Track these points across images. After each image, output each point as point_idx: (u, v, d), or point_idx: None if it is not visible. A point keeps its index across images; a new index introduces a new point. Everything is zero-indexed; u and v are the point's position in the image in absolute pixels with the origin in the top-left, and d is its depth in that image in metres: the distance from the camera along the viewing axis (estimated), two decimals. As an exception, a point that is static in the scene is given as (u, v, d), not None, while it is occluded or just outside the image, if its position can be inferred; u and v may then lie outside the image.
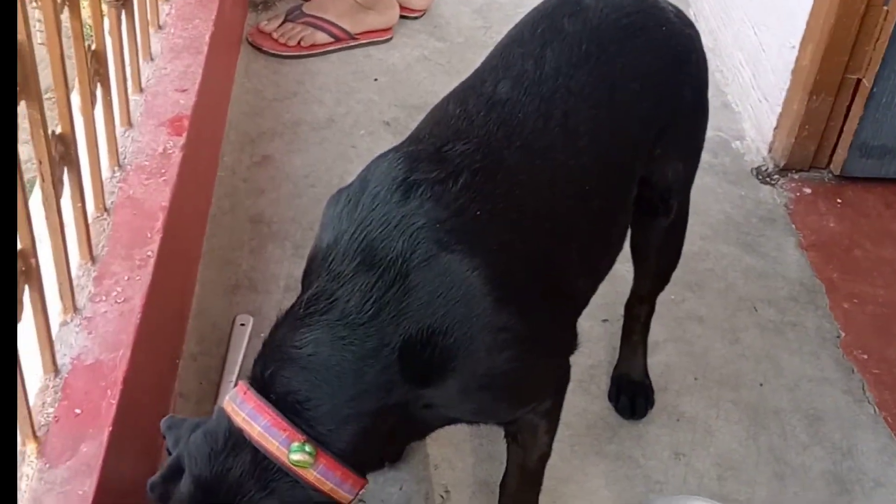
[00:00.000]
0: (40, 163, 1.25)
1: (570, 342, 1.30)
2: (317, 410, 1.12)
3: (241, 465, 1.10)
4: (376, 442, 1.17)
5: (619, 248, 1.42)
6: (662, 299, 1.75)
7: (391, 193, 1.14)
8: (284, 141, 2.26)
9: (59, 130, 1.33)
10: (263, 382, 1.14)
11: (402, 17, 2.68)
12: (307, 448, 1.10)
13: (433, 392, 1.14)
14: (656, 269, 1.64)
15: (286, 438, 1.10)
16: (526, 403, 1.27)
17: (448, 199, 1.13)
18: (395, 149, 1.22)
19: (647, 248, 1.60)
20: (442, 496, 1.60)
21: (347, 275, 1.12)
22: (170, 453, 1.18)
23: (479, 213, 1.14)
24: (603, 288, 1.89)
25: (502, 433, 1.70)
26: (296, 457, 1.10)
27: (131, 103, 1.74)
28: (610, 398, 1.76)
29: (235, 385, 1.69)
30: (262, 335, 1.79)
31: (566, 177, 1.27)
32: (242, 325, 1.82)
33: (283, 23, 2.55)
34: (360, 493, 1.19)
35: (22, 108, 1.16)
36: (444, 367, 1.12)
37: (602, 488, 1.63)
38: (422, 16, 2.74)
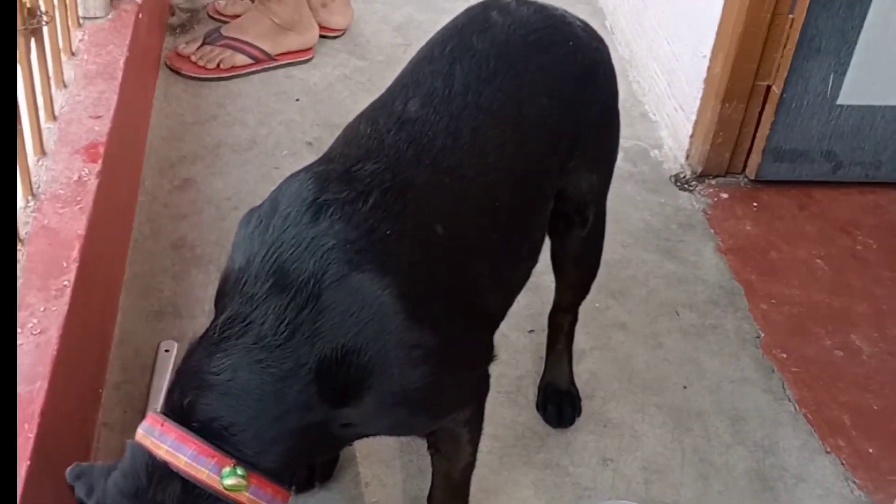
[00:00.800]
0: (-54, 196, 1.23)
1: (485, 355, 1.32)
2: (243, 435, 1.11)
3: (171, 499, 1.08)
4: (296, 459, 1.18)
5: (533, 262, 1.43)
6: (586, 307, 1.78)
7: (301, 214, 1.14)
8: (206, 164, 2.25)
9: (-35, 162, 1.31)
10: (183, 411, 1.13)
11: (322, 36, 2.68)
12: (239, 471, 1.10)
13: (350, 411, 1.15)
14: (576, 279, 1.67)
15: (216, 465, 1.09)
16: (444, 415, 1.29)
17: (358, 220, 1.14)
18: (306, 169, 1.23)
19: (565, 260, 1.62)
20: (373, 514, 1.60)
21: (261, 297, 1.13)
22: (79, 503, 1.15)
23: (388, 232, 1.15)
24: (528, 299, 1.93)
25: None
26: (230, 482, 1.09)
27: (44, 131, 1.72)
28: (538, 408, 1.78)
29: (161, 413, 1.69)
30: (187, 361, 1.82)
31: (475, 194, 1.28)
32: (167, 350, 1.80)
33: (202, 45, 2.54)
34: None
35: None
36: (360, 385, 1.13)
37: (532, 498, 1.65)
38: (342, 35, 2.75)
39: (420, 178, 1.23)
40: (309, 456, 1.24)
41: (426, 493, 1.58)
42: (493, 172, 1.30)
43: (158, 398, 1.71)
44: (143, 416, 1.69)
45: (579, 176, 1.48)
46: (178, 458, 1.09)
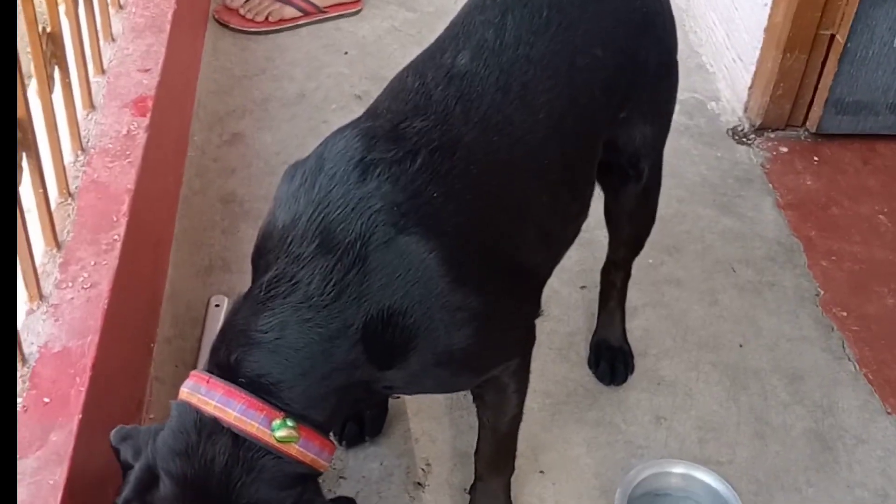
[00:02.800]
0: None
1: (531, 312, 1.30)
2: (291, 391, 1.11)
3: (223, 453, 1.07)
4: (342, 413, 1.18)
5: (583, 218, 1.40)
6: (640, 263, 1.74)
7: (349, 174, 1.13)
8: (254, 118, 2.23)
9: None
10: (229, 368, 1.12)
11: (370, -12, 2.64)
12: (289, 423, 1.09)
13: (394, 373, 1.15)
14: (630, 235, 1.63)
15: (265, 418, 1.09)
16: (488, 371, 1.27)
17: (405, 181, 1.13)
18: (353, 125, 1.21)
19: (619, 215, 1.58)
20: (423, 469, 1.59)
21: (307, 257, 1.12)
22: (125, 466, 1.15)
23: (435, 194, 1.14)
24: (580, 254, 1.89)
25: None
26: (281, 433, 1.08)
27: (93, 85, 1.71)
28: (589, 365, 1.76)
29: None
30: (238, 316, 1.82)
31: (524, 152, 1.25)
32: (217, 305, 1.80)
33: (250, -2, 2.52)
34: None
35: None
36: (405, 346, 1.13)
37: (584, 455, 1.63)
38: (391, -14, 2.71)
39: (468, 136, 1.20)
40: (352, 410, 1.24)
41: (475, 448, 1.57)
42: (542, 129, 1.27)
43: (209, 352, 1.71)
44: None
45: (633, 127, 1.44)
46: (227, 412, 1.09)
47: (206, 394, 1.10)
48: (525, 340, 1.32)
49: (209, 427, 1.08)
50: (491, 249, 1.20)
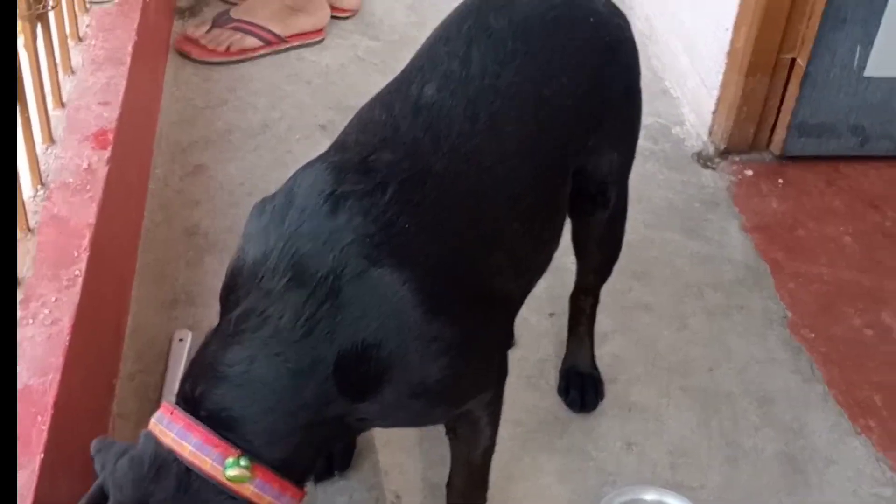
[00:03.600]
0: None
1: (504, 341, 1.30)
2: (253, 427, 1.09)
3: (170, 488, 1.06)
4: (310, 453, 1.15)
5: (555, 245, 1.40)
6: (609, 289, 1.73)
7: (319, 207, 1.12)
8: (217, 149, 2.21)
9: (-30, 150, 1.28)
10: (193, 401, 1.10)
11: (333, 17, 2.64)
12: (242, 462, 1.07)
13: (368, 406, 1.13)
14: (598, 261, 1.63)
15: (220, 455, 1.07)
16: (463, 403, 1.26)
17: (376, 213, 1.12)
18: (321, 158, 1.20)
19: (587, 242, 1.58)
20: (393, 502, 1.57)
21: (278, 292, 1.10)
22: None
23: (407, 225, 1.13)
24: (548, 281, 1.88)
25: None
26: (232, 472, 1.06)
27: (52, 118, 1.69)
28: (559, 392, 1.75)
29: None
30: (201, 350, 1.79)
31: (494, 181, 1.25)
32: (181, 340, 1.77)
33: (211, 28, 2.50)
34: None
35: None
36: (380, 379, 1.11)
37: (555, 484, 1.61)
38: (353, 15, 2.71)
39: (438, 166, 1.20)
40: (321, 448, 1.21)
41: (446, 480, 1.55)
42: (512, 158, 1.27)
43: (173, 388, 1.67)
44: (158, 407, 1.68)
45: (600, 155, 1.44)
46: (184, 446, 1.07)
47: (167, 425, 1.09)
48: (498, 372, 1.31)
49: (163, 459, 1.07)
50: (464, 279, 1.19)
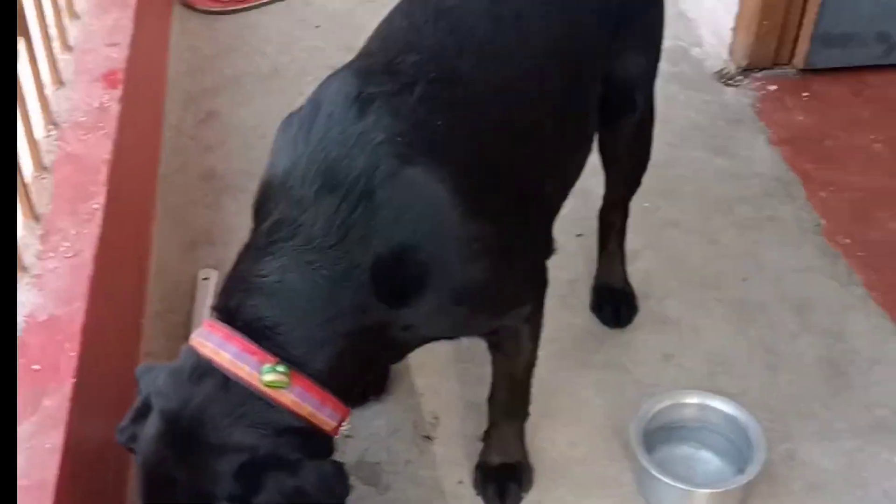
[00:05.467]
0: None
1: (545, 245, 1.27)
2: (288, 335, 1.07)
3: (205, 393, 1.05)
4: (354, 366, 1.12)
5: (588, 147, 1.37)
6: (636, 208, 1.70)
7: (346, 111, 1.09)
8: (229, 95, 2.18)
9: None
10: (229, 313, 1.09)
11: (339, -39, 2.59)
12: (280, 368, 1.05)
13: (410, 312, 1.10)
14: (628, 169, 1.59)
15: (257, 362, 1.05)
16: (505, 312, 1.23)
17: (406, 112, 1.09)
18: (345, 67, 1.17)
19: (616, 149, 1.54)
20: (431, 423, 1.54)
21: (310, 199, 1.07)
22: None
23: (438, 123, 1.10)
24: (574, 203, 1.82)
25: (488, 357, 1.66)
26: (268, 377, 1.04)
27: (60, 62, 1.66)
28: (593, 309, 1.71)
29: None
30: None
31: (523, 79, 1.22)
32: (206, 279, 1.74)
33: (216, -22, 2.47)
34: (345, 424, 1.14)
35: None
36: (419, 283, 1.08)
37: (593, 398, 1.58)
38: (360, -42, 2.66)
39: (465, 67, 1.17)
40: (367, 365, 1.18)
41: (484, 399, 1.53)
42: (540, 56, 1.24)
43: (201, 323, 1.65)
44: (186, 344, 1.66)
45: (627, 58, 1.41)
46: (222, 355, 1.06)
47: (206, 337, 1.08)
48: (538, 281, 1.28)
49: (202, 368, 1.06)
50: (501, 177, 1.16)
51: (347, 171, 1.06)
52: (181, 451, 1.05)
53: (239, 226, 1.88)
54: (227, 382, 1.05)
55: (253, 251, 1.11)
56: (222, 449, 1.04)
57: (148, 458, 1.06)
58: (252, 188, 1.92)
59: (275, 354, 1.06)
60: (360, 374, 1.17)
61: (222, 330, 1.07)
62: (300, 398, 1.06)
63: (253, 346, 1.06)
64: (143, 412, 1.09)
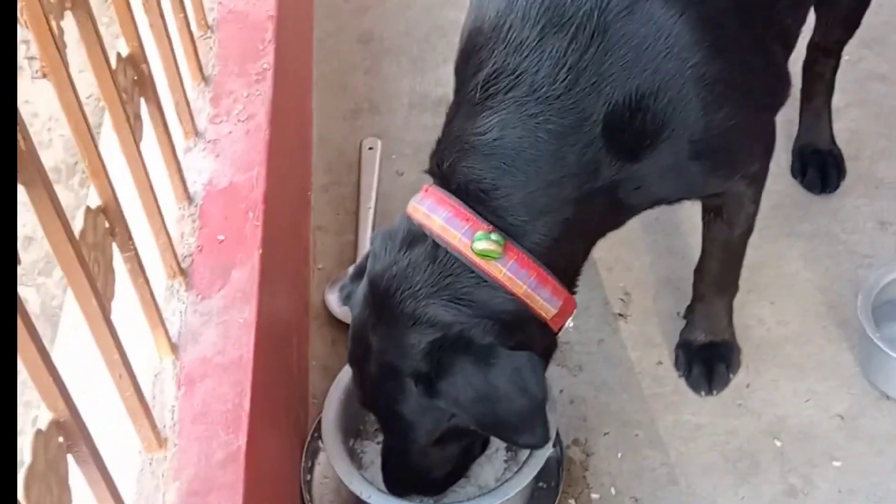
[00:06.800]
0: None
1: (784, 90, 1.12)
2: (506, 199, 0.96)
3: (410, 259, 0.97)
4: (576, 240, 1.02)
5: None
6: (835, 61, 1.51)
7: None
8: (382, -50, 2.04)
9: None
10: (442, 175, 1.00)
11: None
12: (493, 237, 0.95)
13: (643, 168, 0.98)
14: (848, 8, 1.40)
15: (469, 228, 0.96)
16: (736, 172, 1.10)
17: None
18: None
19: None
20: (622, 299, 1.43)
21: (532, 42, 0.95)
22: None
23: None
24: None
25: (678, 227, 1.52)
26: (480, 245, 0.95)
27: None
28: (794, 174, 1.55)
29: (374, 211, 1.55)
30: (393, 157, 1.66)
31: None
32: (371, 148, 1.65)
33: None
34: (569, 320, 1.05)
35: None
36: (657, 133, 0.96)
37: (802, 270, 1.44)
38: None
39: None
40: (590, 238, 1.07)
41: (678, 273, 1.43)
42: None
43: (370, 195, 1.57)
44: (355, 217, 1.58)
45: None
46: (433, 220, 0.97)
47: (419, 201, 0.99)
48: (770, 137, 1.14)
49: (414, 234, 0.98)
50: (744, 9, 1.01)
51: (576, 6, 0.93)
52: (379, 316, 0.99)
53: (402, 91, 1.78)
54: (436, 250, 0.96)
55: (466, 107, 0.99)
56: (416, 321, 0.96)
57: (354, 319, 1.02)
58: (413, 50, 1.83)
59: (490, 222, 0.96)
60: (582, 250, 1.06)
61: (436, 193, 0.98)
62: (514, 274, 0.96)
63: (466, 212, 0.96)
64: (362, 272, 1.03)
